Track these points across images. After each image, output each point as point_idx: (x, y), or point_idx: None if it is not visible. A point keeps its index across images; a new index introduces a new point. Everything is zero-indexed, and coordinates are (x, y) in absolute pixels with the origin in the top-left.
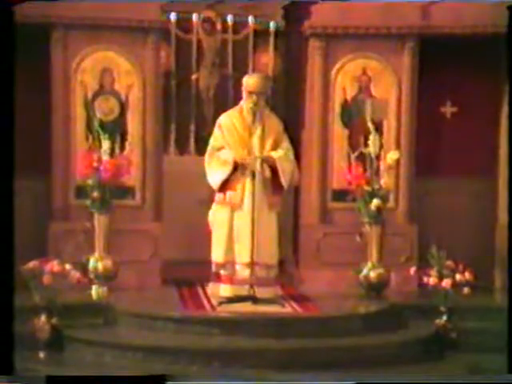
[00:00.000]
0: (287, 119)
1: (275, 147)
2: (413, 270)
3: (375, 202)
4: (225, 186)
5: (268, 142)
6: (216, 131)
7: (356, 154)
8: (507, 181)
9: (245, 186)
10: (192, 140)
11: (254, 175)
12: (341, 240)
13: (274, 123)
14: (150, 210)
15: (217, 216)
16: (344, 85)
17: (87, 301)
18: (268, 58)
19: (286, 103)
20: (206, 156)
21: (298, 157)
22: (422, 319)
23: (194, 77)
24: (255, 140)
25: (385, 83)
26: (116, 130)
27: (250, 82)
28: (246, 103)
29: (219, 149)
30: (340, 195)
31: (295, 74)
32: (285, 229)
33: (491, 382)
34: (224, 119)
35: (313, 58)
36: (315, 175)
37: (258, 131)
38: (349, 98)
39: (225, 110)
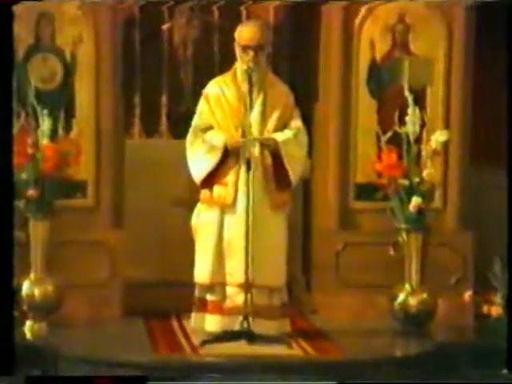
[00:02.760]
0: (294, 88)
1: (281, 126)
2: (468, 295)
3: (415, 200)
4: (212, 179)
5: (271, 119)
6: (202, 105)
7: (388, 135)
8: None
9: (238, 180)
10: (164, 117)
11: (250, 165)
12: (368, 253)
13: (281, 92)
14: (107, 212)
15: (201, 220)
16: (372, 38)
17: (19, 342)
18: (268, 7)
19: (292, 65)
20: (189, 137)
21: (309, 139)
22: (482, 366)
23: (165, 27)
24: (254, 116)
25: (429, 36)
26: (59, 102)
27: (244, 32)
28: (240, 64)
29: (206, 129)
30: (366, 191)
31: (305, 23)
32: (292, 238)
33: (491, 382)
34: (212, 89)
35: (329, 9)
36: (333, 164)
37: (257, 104)
38: (378, 56)
39: (209, 76)
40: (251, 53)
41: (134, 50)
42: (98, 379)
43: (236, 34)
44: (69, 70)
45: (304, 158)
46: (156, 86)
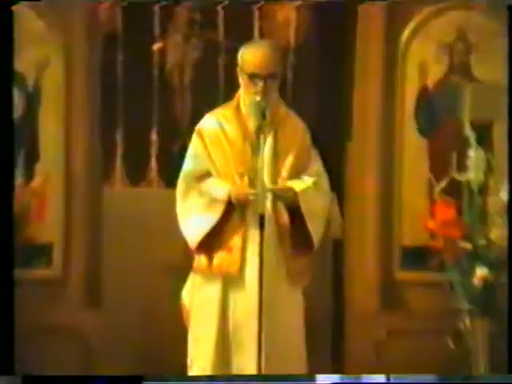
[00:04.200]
0: (319, 124)
1: (298, 172)
2: None
3: (480, 271)
4: (211, 242)
5: (286, 164)
6: (195, 145)
7: (444, 183)
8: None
9: (246, 244)
10: (153, 160)
11: (262, 223)
12: (418, 344)
13: (296, 131)
14: (79, 286)
15: (197, 298)
16: (423, 59)
17: None
18: (287, 14)
19: (317, 95)
20: (179, 188)
21: (340, 190)
22: None
23: (156, 47)
24: (263, 160)
25: (496, 57)
26: (17, 142)
27: (250, 56)
28: (245, 95)
29: (201, 176)
30: (416, 258)
31: (335, 41)
32: (317, 321)
33: (491, 382)
34: (209, 124)
35: (368, 13)
36: (371, 222)
37: (267, 144)
38: (431, 82)
39: (211, 108)
40: (260, 83)
41: (115, 74)
42: (95, 378)
43: (240, 58)
44: (31, 100)
45: (331, 213)
46: (144, 119)
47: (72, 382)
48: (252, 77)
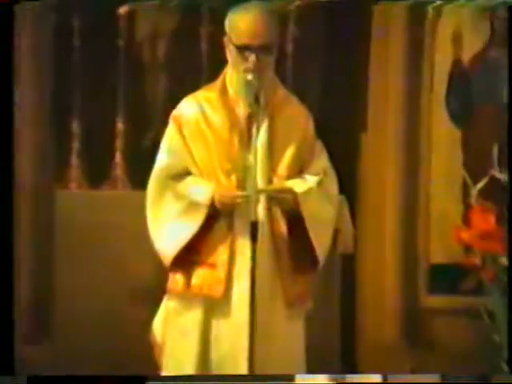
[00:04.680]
0: (326, 110)
1: (298, 170)
2: None
3: None
4: (191, 256)
5: (283, 159)
6: (171, 136)
7: (481, 184)
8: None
9: (234, 258)
10: (118, 155)
11: (253, 233)
12: None
13: (297, 118)
14: (24, 312)
15: (172, 328)
16: (457, 29)
17: None
18: None
19: (324, 75)
20: (151, 188)
21: (352, 192)
22: None
23: (122, 11)
24: (255, 154)
25: None
26: None
27: (240, 23)
28: (233, 73)
29: (178, 175)
30: (447, 279)
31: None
32: (322, 354)
33: (491, 382)
34: (188, 110)
35: None
36: (391, 232)
37: (261, 135)
38: (466, 58)
39: (190, 90)
40: (252, 56)
41: (70, 46)
42: (101, 379)
43: (227, 25)
44: None
45: (334, 220)
46: (106, 104)
47: (78, 383)
48: (242, 49)
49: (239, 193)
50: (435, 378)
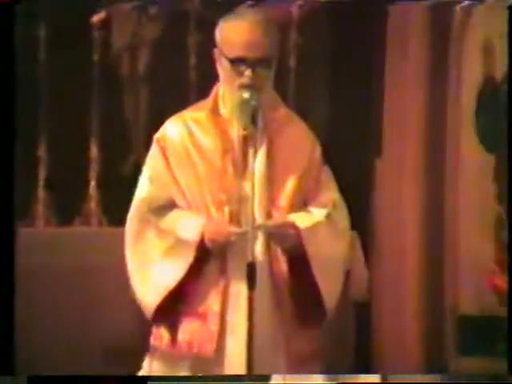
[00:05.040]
0: (335, 133)
1: (302, 201)
2: None
3: None
4: (177, 306)
5: (285, 189)
6: (153, 162)
7: None
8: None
9: (226, 307)
10: (93, 185)
11: (251, 276)
12: None
13: (301, 142)
14: None
15: None
16: (488, 36)
17: None
18: None
19: (331, 91)
20: (129, 226)
21: (365, 228)
22: None
23: (96, 18)
24: (252, 183)
25: None
26: None
27: (234, 33)
28: (226, 90)
29: (162, 208)
30: (480, 335)
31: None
32: None
33: (491, 382)
34: (173, 133)
35: None
36: (411, 277)
37: (259, 161)
38: (499, 69)
39: (176, 109)
40: (247, 71)
41: (35, 58)
42: (104, 379)
43: (218, 35)
44: None
45: (345, 261)
46: (79, 125)
47: (79, 383)
48: (236, 63)
49: (233, 229)
50: (436, 377)
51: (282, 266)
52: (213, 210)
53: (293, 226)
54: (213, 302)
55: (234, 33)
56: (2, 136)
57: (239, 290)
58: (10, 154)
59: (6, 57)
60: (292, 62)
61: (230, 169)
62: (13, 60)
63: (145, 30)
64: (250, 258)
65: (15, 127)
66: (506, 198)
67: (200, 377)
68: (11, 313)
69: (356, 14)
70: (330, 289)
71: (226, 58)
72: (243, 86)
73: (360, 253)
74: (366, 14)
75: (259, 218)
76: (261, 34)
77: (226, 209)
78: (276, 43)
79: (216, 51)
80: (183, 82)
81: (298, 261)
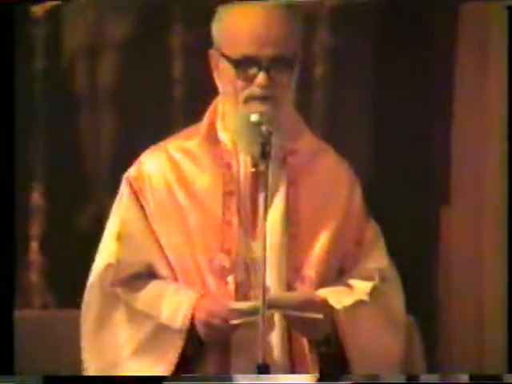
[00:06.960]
0: (381, 168)
1: (335, 269)
2: None
3: None
4: None
5: (312, 251)
6: (123, 210)
7: None
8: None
9: None
10: (34, 247)
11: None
12: None
13: (334, 182)
14: None
15: None
16: None
17: None
18: None
19: (378, 111)
20: (88, 306)
21: (428, 310)
22: None
23: (38, 10)
24: (264, 241)
25: None
26: None
27: (240, 22)
28: (228, 105)
29: (135, 278)
30: None
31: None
32: None
33: (491, 382)
34: (151, 168)
35: None
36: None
37: (273, 209)
38: None
39: (156, 137)
40: (259, 75)
41: None
42: (119, 378)
43: (215, 30)
44: None
45: (399, 355)
46: (15, 163)
47: (93, 383)
48: (244, 65)
49: (238, 305)
50: (435, 377)
51: (309, 367)
52: (209, 280)
53: (324, 304)
54: None
55: (240, 24)
56: None
57: None
58: None
59: (6, 56)
60: (319, 67)
61: (235, 220)
62: (13, 58)
63: (109, 29)
64: (261, 357)
65: None
66: None
67: (215, 377)
68: (11, 312)
69: (414, 10)
70: None
71: (229, 59)
72: (252, 98)
73: (419, 346)
74: (425, 13)
75: (275, 292)
76: (278, 23)
77: (230, 278)
78: (299, 38)
79: (212, 53)
80: (164, 99)
81: (332, 357)
